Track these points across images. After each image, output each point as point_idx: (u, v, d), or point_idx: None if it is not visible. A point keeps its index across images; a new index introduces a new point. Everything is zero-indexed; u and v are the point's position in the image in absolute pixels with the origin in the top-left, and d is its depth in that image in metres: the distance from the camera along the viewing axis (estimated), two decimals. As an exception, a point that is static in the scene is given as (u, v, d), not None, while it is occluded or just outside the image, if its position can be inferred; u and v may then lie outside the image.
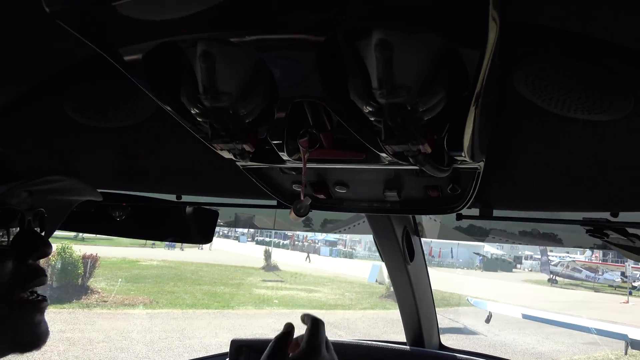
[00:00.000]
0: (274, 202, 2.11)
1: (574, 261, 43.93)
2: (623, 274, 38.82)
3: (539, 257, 43.32)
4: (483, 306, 15.16)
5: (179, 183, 2.15)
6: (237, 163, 1.57)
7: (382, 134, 1.08)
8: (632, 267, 40.66)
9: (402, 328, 3.22)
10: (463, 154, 1.22)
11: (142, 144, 1.84)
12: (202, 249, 42.31)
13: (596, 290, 35.36)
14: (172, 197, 2.24)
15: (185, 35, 1.01)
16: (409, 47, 0.94)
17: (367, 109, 1.05)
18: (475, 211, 1.86)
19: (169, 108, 1.19)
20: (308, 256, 42.47)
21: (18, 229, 1.22)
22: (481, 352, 3.44)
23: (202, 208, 2.40)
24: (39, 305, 1.22)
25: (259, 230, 61.74)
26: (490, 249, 54.63)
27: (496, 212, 1.84)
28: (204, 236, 2.53)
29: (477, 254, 47.54)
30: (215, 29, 0.96)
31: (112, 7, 0.89)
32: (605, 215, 1.64)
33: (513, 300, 21.80)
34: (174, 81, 1.15)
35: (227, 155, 1.41)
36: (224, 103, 1.10)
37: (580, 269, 40.17)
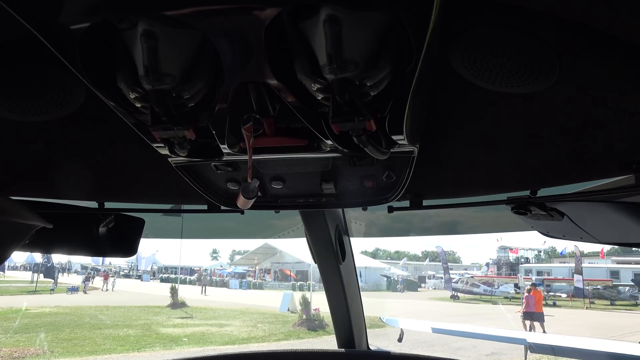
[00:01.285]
0: (204, 207, 2.05)
1: (472, 277, 46.73)
2: (516, 285, 41.84)
3: (442, 275, 45.51)
4: (395, 324, 15.61)
5: (102, 188, 2.01)
6: (170, 160, 1.52)
7: (330, 111, 1.11)
8: (523, 278, 44.03)
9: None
10: (402, 136, 1.28)
11: (59, 142, 1.70)
12: (106, 290, 40.06)
13: (494, 302, 37.67)
14: (92, 205, 2.09)
15: (127, 10, 0.98)
16: (357, 22, 0.98)
17: (315, 87, 1.07)
18: (405, 203, 1.93)
19: (103, 95, 1.14)
20: (204, 288, 41.56)
21: None
22: None
23: (126, 216, 2.25)
24: None
25: (163, 267, 59.26)
26: (395, 270, 56.64)
27: (425, 202, 1.93)
28: (128, 248, 2.35)
29: (385, 276, 49.01)
30: (160, 4, 0.94)
31: None
32: (526, 193, 1.79)
33: (421, 317, 22.69)
34: (110, 64, 1.10)
35: (163, 150, 1.36)
36: (166, 85, 1.07)
37: (478, 284, 42.77)
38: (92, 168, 1.85)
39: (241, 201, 1.35)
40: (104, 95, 1.14)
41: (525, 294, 25.03)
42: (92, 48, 1.05)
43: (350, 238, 3.07)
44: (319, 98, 1.12)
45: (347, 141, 1.29)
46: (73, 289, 37.11)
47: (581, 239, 2.35)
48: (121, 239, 2.31)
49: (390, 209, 1.97)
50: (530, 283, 32.37)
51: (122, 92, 1.12)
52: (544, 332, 21.46)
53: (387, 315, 17.29)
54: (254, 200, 1.34)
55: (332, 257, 2.81)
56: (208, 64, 1.12)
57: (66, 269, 54.55)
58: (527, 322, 23.46)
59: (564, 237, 2.46)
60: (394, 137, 1.30)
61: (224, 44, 1.02)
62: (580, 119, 1.38)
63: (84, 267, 57.81)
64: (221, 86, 1.14)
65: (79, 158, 1.77)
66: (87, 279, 40.83)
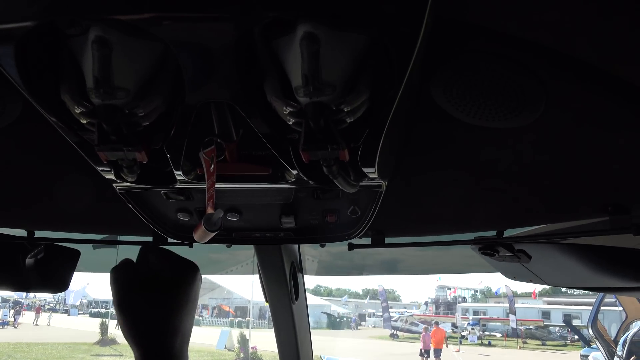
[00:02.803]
0: (149, 238, 1.89)
1: (411, 315, 47.26)
2: (454, 324, 42.57)
3: (381, 313, 45.71)
4: (336, 364, 15.41)
5: (32, 214, 1.80)
6: (115, 185, 1.37)
7: (301, 137, 1.02)
8: (460, 317, 44.92)
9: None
10: (374, 169, 1.21)
11: None
12: (37, 324, 38.25)
13: (432, 341, 38.03)
14: (21, 233, 1.86)
15: (78, 13, 0.86)
16: (336, 42, 0.91)
17: (287, 110, 0.98)
18: (367, 240, 1.84)
19: (44, 108, 1.00)
20: (49, 317, 39.77)
21: None
22: None
23: (59, 247, 2.03)
24: None
25: (94, 302, 56.29)
26: (336, 308, 56.46)
27: (388, 240, 1.84)
28: (59, 283, 2.11)
29: (325, 313, 48.67)
30: (118, 10, 0.83)
31: None
32: (493, 233, 1.74)
33: (362, 356, 22.69)
34: (54, 73, 0.97)
35: (108, 174, 1.22)
36: (118, 100, 0.95)
37: (418, 322, 43.26)
38: (21, 191, 1.65)
39: (199, 234, 1.21)
40: (44, 109, 1.00)
41: (423, 333, 27.55)
42: (33, 53, 0.92)
43: (304, 276, 2.95)
44: (290, 123, 1.02)
45: (314, 172, 1.21)
46: (4, 324, 36.31)
47: (531, 281, 2.35)
48: (52, 272, 2.07)
49: (351, 246, 1.88)
50: (434, 321, 34.35)
51: (65, 106, 0.98)
52: None
53: (327, 354, 17.06)
54: (215, 233, 1.21)
55: (286, 295, 2.67)
56: (168, 79, 1.00)
57: (-16, 301, 50.62)
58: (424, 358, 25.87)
59: (514, 278, 2.45)
60: (365, 170, 1.22)
61: (187, 58, 0.92)
62: (556, 157, 1.34)
63: (4, 300, 53.98)
64: (181, 105, 1.03)
65: (6, 179, 1.58)
66: (17, 313, 39.61)
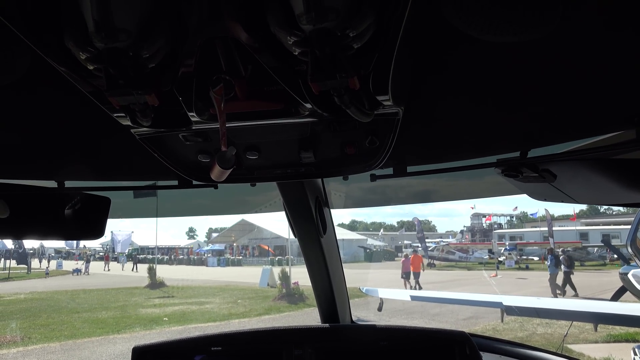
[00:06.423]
0: (175, 182, 1.93)
1: (447, 245, 47.83)
2: (490, 251, 42.99)
3: (418, 244, 46.29)
4: (375, 293, 15.87)
5: (60, 166, 1.86)
6: (133, 131, 1.38)
7: (309, 68, 0.99)
8: (497, 243, 45.18)
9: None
10: (387, 96, 1.18)
11: (7, 116, 1.53)
12: (109, 269, 42.82)
13: (469, 268, 38.66)
14: (51, 184, 1.93)
15: None
16: None
17: (292, 40, 0.95)
18: (388, 170, 1.83)
19: (51, 57, 1.00)
20: (135, 266, 42.50)
21: None
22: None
23: (90, 195, 2.10)
24: None
25: (139, 249, 58.86)
26: (373, 242, 57.48)
27: (410, 168, 1.83)
28: (95, 230, 2.20)
29: (362, 247, 49.67)
30: None
31: None
32: (517, 155, 1.70)
33: (399, 286, 23.43)
34: (56, 20, 0.96)
35: (124, 120, 1.23)
36: (121, 43, 0.94)
37: (454, 251, 43.84)
38: (47, 143, 1.70)
39: (216, 172, 1.22)
40: (51, 58, 1.00)
41: (403, 259, 30.44)
42: (33, 1, 0.91)
43: (331, 210, 2.97)
44: (296, 53, 0.99)
45: (327, 103, 1.18)
46: (77, 271, 40.77)
47: (562, 201, 2.31)
48: (86, 220, 2.15)
49: (373, 177, 1.87)
50: (413, 249, 36.84)
51: (71, 53, 0.98)
52: (420, 288, 25.74)
53: (366, 285, 17.53)
54: (230, 171, 1.22)
55: (313, 230, 2.71)
56: (169, 17, 0.98)
57: (39, 253, 53.64)
58: (405, 281, 28.44)
59: (545, 200, 2.42)
60: (379, 97, 1.19)
61: None
62: (577, 68, 1.27)
63: (57, 252, 57.02)
64: (185, 43, 1.01)
65: (30, 132, 1.61)
66: (87, 262, 43.75)
